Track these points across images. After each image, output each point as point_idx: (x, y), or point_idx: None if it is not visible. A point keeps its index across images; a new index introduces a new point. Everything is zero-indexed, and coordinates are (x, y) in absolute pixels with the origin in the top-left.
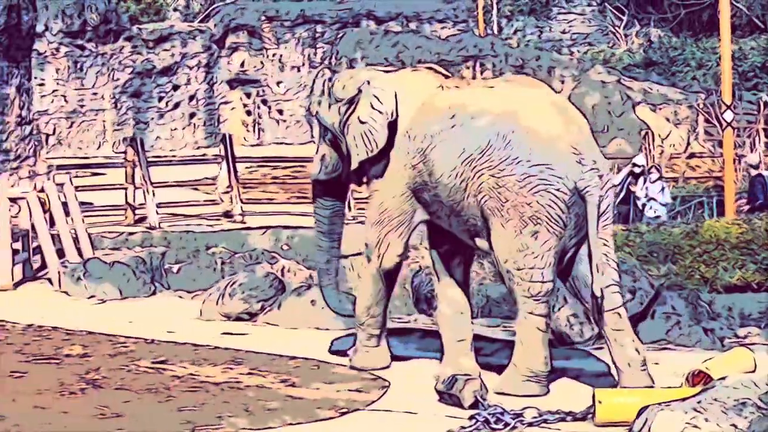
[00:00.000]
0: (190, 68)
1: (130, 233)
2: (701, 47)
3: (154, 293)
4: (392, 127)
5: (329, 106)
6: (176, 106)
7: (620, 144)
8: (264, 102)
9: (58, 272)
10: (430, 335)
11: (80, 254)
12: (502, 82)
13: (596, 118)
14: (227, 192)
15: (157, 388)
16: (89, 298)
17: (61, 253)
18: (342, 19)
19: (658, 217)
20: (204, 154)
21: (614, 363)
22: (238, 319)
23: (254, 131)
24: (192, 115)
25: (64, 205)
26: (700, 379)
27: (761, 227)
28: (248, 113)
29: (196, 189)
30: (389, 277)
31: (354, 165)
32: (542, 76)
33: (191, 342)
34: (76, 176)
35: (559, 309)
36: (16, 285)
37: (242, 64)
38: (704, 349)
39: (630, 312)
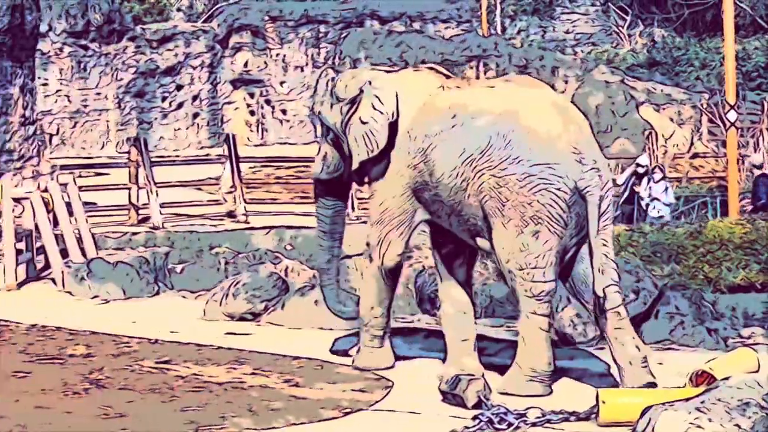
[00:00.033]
0: (194, 68)
1: (134, 233)
2: (705, 47)
3: (157, 293)
4: (393, 127)
5: (331, 106)
6: (180, 106)
7: (624, 144)
8: (267, 102)
9: (62, 272)
10: (433, 335)
11: (84, 254)
12: (503, 82)
13: (600, 118)
14: (231, 192)
15: (160, 388)
16: (93, 298)
17: (64, 253)
18: (345, 19)
19: (661, 217)
20: (207, 154)
21: (615, 361)
22: (242, 319)
23: (258, 131)
24: (195, 115)
25: (68, 205)
26: (703, 379)
27: (765, 227)
28: (252, 113)
29: (199, 189)
30: (391, 276)
31: (355, 165)
32: (546, 76)
33: (195, 342)
34: (80, 176)
35: (562, 309)
36: (20, 285)
37: (246, 64)
38: (708, 349)
39: (634, 312)
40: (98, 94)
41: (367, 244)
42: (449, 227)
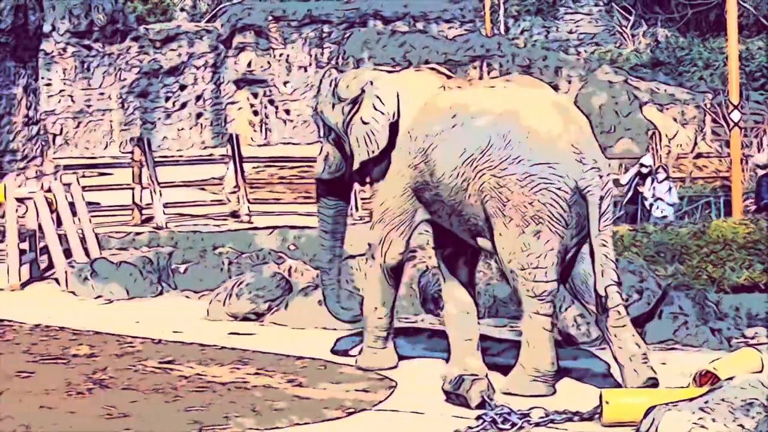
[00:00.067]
0: (197, 68)
1: (137, 233)
2: (708, 47)
3: (161, 293)
4: (394, 127)
5: (333, 106)
6: (183, 106)
7: (627, 144)
8: (271, 102)
9: (65, 272)
10: (437, 335)
11: (87, 254)
12: (503, 82)
13: (603, 119)
14: (234, 192)
15: (164, 388)
16: (96, 298)
17: (68, 253)
18: (349, 19)
19: (665, 217)
20: (211, 154)
21: (615, 359)
22: (245, 319)
23: (261, 131)
24: (199, 115)
25: (71, 205)
26: (707, 379)
27: None
28: (255, 113)
29: (203, 189)
30: (394, 276)
31: (356, 165)
32: (549, 76)
33: (198, 342)
34: (83, 176)
35: (565, 309)
36: (24, 285)
37: (249, 64)
38: (711, 349)
39: (637, 312)
40: (101, 94)
41: (369, 245)
42: (450, 227)
